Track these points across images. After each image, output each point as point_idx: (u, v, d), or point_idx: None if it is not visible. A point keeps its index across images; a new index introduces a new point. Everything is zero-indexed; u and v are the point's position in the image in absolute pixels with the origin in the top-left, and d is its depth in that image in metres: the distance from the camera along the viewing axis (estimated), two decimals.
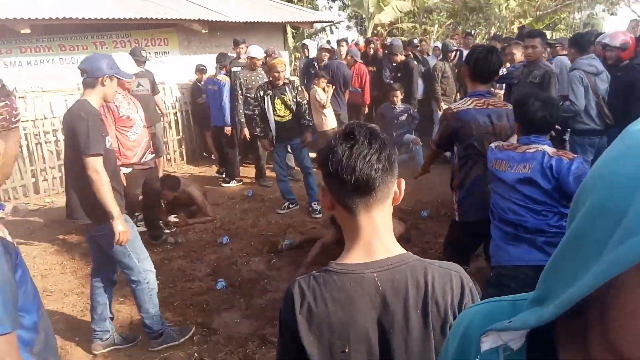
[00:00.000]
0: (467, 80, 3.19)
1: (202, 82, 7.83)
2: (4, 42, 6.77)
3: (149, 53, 8.15)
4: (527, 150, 2.61)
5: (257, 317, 3.68)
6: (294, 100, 5.55)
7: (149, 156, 4.63)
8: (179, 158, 8.51)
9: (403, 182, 1.25)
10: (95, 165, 2.87)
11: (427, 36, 15.05)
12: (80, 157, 2.88)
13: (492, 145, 2.81)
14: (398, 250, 1.21)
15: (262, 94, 5.54)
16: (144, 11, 7.68)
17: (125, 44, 7.92)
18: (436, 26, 16.56)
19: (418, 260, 1.20)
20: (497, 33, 7.64)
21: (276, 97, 5.49)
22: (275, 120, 5.55)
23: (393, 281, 1.15)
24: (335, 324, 1.15)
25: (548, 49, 7.32)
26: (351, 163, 1.14)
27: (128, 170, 4.39)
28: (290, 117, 5.57)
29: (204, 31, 8.40)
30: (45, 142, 6.69)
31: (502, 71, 5.81)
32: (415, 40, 9.20)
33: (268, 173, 7.14)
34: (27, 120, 6.50)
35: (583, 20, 20.80)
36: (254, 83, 6.51)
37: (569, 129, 4.83)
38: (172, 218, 5.49)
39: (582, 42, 4.82)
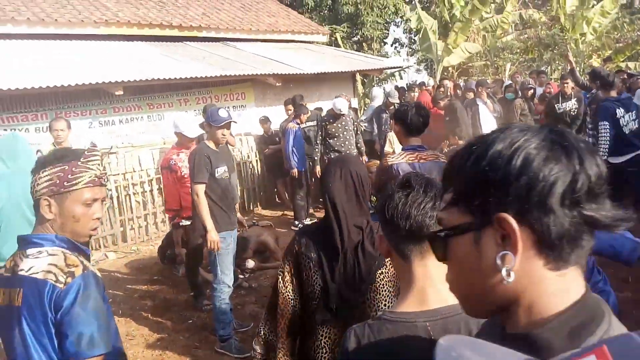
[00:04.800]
0: (400, 136, 3.40)
1: (269, 133, 8.40)
2: (100, 104, 7.49)
3: (228, 107, 8.70)
4: None
5: None
6: None
7: None
8: (255, 204, 8.82)
9: None
10: (197, 190, 3.79)
11: (500, 75, 14.78)
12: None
13: None
14: (453, 300, 1.21)
15: None
16: (223, 69, 8.23)
17: (206, 100, 8.48)
18: (509, 64, 16.25)
19: None
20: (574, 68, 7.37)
21: None
22: None
23: (446, 331, 1.16)
24: None
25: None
26: (406, 210, 1.19)
27: (188, 222, 4.69)
28: None
29: (277, 84, 8.83)
30: (134, 194, 7.22)
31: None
32: (489, 80, 9.12)
33: None
34: (118, 174, 7.07)
35: None
36: (333, 130, 6.97)
37: None
38: (248, 263, 5.68)
39: None
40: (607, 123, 5.30)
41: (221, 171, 3.94)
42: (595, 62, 14.18)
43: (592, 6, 15.01)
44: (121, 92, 7.10)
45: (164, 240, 6.00)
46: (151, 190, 7.38)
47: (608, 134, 5.31)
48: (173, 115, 7.68)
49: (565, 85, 7.15)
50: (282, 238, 6.43)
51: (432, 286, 1.21)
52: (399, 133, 3.43)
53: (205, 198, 3.82)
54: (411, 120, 3.29)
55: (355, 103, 10.92)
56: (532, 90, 8.58)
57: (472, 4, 13.75)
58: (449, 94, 9.17)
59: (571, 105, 7.10)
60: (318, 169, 6.97)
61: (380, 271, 1.87)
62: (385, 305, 1.82)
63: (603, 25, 14.87)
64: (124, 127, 7.71)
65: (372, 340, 1.20)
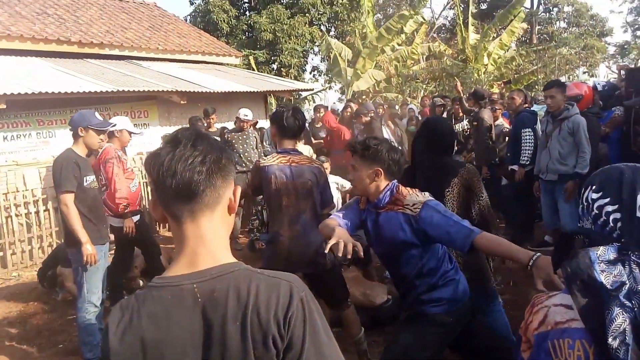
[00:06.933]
0: (276, 138, 3.38)
1: None
2: None
3: None
4: None
5: None
6: None
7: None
8: (158, 225, 8.39)
9: (240, 189, 1.19)
10: (65, 200, 3.52)
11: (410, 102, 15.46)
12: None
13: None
14: (226, 259, 1.13)
15: None
16: (121, 84, 7.90)
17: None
18: (422, 91, 17.03)
19: (245, 270, 1.11)
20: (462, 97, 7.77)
21: None
22: None
23: (213, 291, 1.06)
24: (149, 341, 1.05)
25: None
26: (172, 166, 1.08)
27: (137, 217, 4.54)
28: None
29: (182, 102, 8.60)
30: (16, 215, 6.64)
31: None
32: (397, 106, 9.51)
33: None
34: None
35: (565, 82, 21.31)
36: (233, 141, 6.79)
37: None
38: (138, 283, 5.35)
39: None
40: (531, 131, 5.56)
41: (90, 180, 3.70)
42: (496, 90, 15.20)
43: (492, 39, 16.21)
44: (4, 106, 6.59)
45: (46, 260, 5.52)
46: (37, 212, 6.82)
47: (532, 141, 5.56)
48: (66, 132, 7.22)
49: (457, 107, 7.51)
50: None
51: (203, 247, 1.11)
52: (274, 136, 3.37)
53: (75, 208, 3.57)
54: (287, 122, 3.23)
55: (266, 123, 10.88)
56: (442, 108, 8.89)
57: (378, 32, 14.39)
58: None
59: (464, 125, 7.47)
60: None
61: None
62: None
63: (502, 57, 16.12)
64: (9, 144, 7.15)
65: (135, 309, 1.09)
